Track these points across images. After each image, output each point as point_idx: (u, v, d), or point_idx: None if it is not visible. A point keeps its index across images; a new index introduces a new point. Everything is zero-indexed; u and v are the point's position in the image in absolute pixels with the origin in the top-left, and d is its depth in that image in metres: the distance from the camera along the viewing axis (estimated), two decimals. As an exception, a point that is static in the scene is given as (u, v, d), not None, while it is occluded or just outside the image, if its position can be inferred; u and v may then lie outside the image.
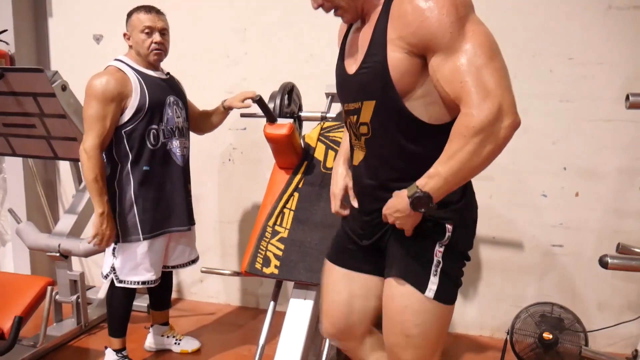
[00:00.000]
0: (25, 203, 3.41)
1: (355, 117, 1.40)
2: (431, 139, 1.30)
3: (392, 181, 1.37)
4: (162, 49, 2.31)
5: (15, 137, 2.70)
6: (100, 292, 3.21)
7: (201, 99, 2.67)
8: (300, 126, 2.49)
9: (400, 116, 1.30)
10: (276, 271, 2.07)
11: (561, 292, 2.78)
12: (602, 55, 2.59)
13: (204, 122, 2.58)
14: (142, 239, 2.31)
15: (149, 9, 2.29)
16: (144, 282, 2.37)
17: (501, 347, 2.52)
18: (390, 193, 1.34)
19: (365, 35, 1.35)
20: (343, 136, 1.74)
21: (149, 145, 2.29)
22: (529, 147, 2.73)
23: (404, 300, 1.38)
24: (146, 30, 2.26)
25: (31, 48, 3.44)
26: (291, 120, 2.22)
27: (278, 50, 3.02)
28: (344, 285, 1.58)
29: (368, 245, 1.49)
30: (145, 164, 2.29)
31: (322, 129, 2.35)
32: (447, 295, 1.38)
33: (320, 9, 1.41)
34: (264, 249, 2.12)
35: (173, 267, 2.55)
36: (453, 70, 1.19)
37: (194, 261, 2.61)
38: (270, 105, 2.27)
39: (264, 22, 3.03)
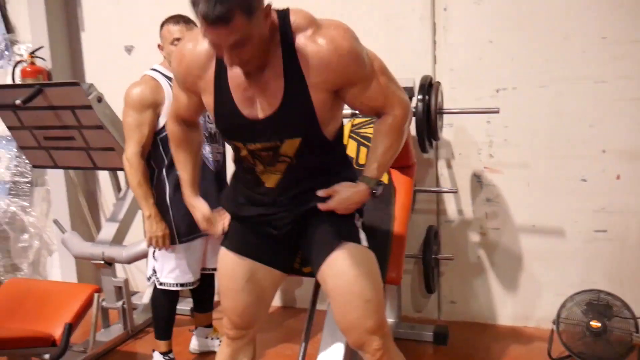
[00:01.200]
0: (69, 213, 3.52)
1: (271, 152, 1.58)
2: (337, 148, 1.71)
3: (313, 188, 1.63)
4: None
5: (56, 149, 2.79)
6: (145, 297, 3.27)
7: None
8: None
9: (322, 143, 1.60)
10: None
11: (608, 279, 2.70)
12: (634, 33, 2.52)
13: None
14: (177, 242, 2.36)
15: (177, 20, 2.31)
16: (182, 284, 2.43)
17: (548, 337, 2.48)
18: (311, 193, 1.62)
19: (270, 83, 1.49)
20: (183, 170, 1.85)
21: None
22: (565, 131, 2.68)
23: (353, 268, 1.60)
24: (175, 42, 2.28)
25: (66, 62, 3.54)
26: None
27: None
28: (250, 275, 1.73)
29: (278, 236, 1.70)
30: None
31: (352, 125, 2.35)
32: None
33: None
34: None
35: (212, 269, 2.58)
36: (374, 92, 1.55)
37: None
38: None
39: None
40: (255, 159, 1.62)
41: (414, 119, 2.44)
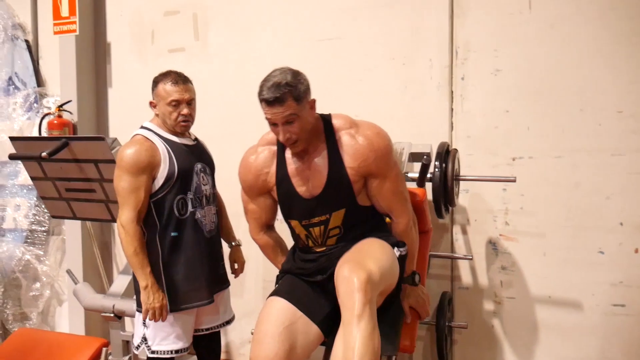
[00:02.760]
0: (82, 264, 3.53)
1: (323, 226, 2.00)
2: (372, 211, 2.06)
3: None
4: (190, 120, 2.29)
5: (76, 201, 2.83)
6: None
7: (231, 147, 2.67)
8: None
9: (360, 209, 2.01)
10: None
11: (627, 355, 2.63)
12: (652, 108, 2.55)
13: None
14: (170, 310, 2.23)
15: (175, 80, 2.24)
16: (177, 351, 2.29)
17: (564, 414, 2.39)
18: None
19: (317, 165, 1.96)
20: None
21: (176, 213, 2.23)
22: (582, 203, 2.67)
23: (370, 242, 1.96)
24: (173, 103, 2.22)
25: (92, 116, 3.65)
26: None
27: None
28: (290, 323, 1.90)
29: (324, 282, 2.00)
30: (173, 229, 2.24)
31: None
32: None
33: None
34: None
35: (207, 329, 2.44)
36: (388, 192, 1.98)
37: (228, 322, 2.51)
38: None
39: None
40: (308, 238, 2.04)
41: (430, 184, 2.48)
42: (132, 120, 3.53)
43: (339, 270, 1.80)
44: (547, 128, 2.72)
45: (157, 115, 2.32)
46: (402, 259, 2.01)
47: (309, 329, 1.93)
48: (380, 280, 1.78)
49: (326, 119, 2.00)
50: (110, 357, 2.88)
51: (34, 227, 3.70)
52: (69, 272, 3.17)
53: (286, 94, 1.82)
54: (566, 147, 2.69)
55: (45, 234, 3.72)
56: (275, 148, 2.03)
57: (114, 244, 3.73)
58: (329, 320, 1.96)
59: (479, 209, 2.87)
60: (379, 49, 2.98)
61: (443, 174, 2.46)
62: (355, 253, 1.90)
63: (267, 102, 1.83)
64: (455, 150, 2.61)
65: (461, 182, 2.74)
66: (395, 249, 1.99)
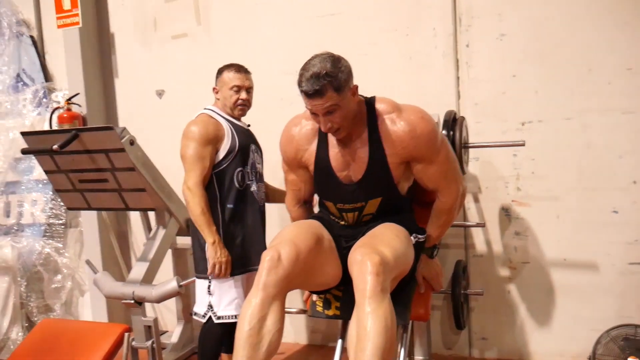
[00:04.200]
0: (101, 253, 3.59)
1: (357, 212, 2.00)
2: (407, 199, 2.06)
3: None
4: (247, 104, 2.54)
5: (90, 191, 2.86)
6: (174, 336, 3.29)
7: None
8: None
9: (397, 198, 1.99)
10: (338, 312, 2.08)
11: (645, 313, 2.63)
12: (662, 63, 2.51)
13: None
14: (232, 274, 2.41)
15: (238, 69, 2.52)
16: None
17: (584, 374, 2.41)
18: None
19: (358, 152, 1.92)
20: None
21: (236, 184, 2.46)
22: (594, 163, 2.65)
23: (389, 227, 1.94)
24: (235, 88, 2.48)
25: (100, 107, 3.68)
26: None
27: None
28: (318, 234, 1.93)
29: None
30: (230, 202, 2.45)
31: None
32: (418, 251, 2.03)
33: None
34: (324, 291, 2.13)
35: None
36: (434, 174, 1.93)
37: None
38: None
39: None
40: (340, 218, 2.04)
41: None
42: (140, 109, 3.59)
43: (352, 255, 1.78)
44: (555, 90, 2.69)
45: (218, 99, 2.56)
46: (418, 245, 2.01)
47: (334, 252, 1.98)
48: (394, 265, 1.76)
49: (370, 103, 1.94)
50: (133, 342, 2.94)
51: (51, 220, 3.76)
52: (88, 262, 3.22)
53: (326, 85, 1.75)
54: (576, 108, 2.67)
55: (63, 226, 3.77)
56: (318, 126, 1.94)
57: (130, 232, 3.78)
58: (345, 250, 1.97)
59: (490, 176, 2.86)
60: (381, 21, 2.96)
61: (451, 142, 2.45)
62: (370, 238, 1.88)
63: (307, 94, 1.77)
64: (463, 118, 2.59)
65: (470, 150, 2.72)
66: (414, 235, 1.98)
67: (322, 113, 1.80)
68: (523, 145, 2.51)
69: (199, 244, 2.48)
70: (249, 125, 2.63)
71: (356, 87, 1.87)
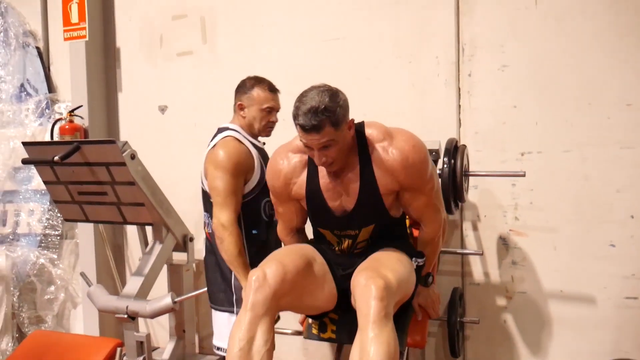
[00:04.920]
0: (96, 266, 3.57)
1: (351, 240, 1.99)
2: (401, 221, 2.09)
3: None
4: (273, 128, 2.40)
5: (89, 204, 2.86)
6: (165, 352, 3.26)
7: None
8: None
9: (390, 222, 1.99)
10: (334, 335, 2.07)
11: (640, 348, 2.62)
12: (661, 100, 2.54)
13: None
14: None
15: (272, 88, 2.34)
16: None
17: (578, 408, 2.38)
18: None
19: (349, 181, 1.89)
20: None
21: (264, 217, 2.35)
22: (592, 196, 2.66)
23: (390, 252, 1.96)
24: (267, 109, 2.31)
25: (102, 121, 3.69)
26: None
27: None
28: (310, 257, 1.94)
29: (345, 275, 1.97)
30: (254, 229, 2.33)
31: None
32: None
33: None
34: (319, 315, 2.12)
35: None
36: (419, 205, 1.94)
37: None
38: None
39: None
40: (339, 244, 2.02)
41: (440, 179, 2.48)
42: (142, 124, 3.60)
43: (356, 278, 1.77)
44: (555, 122, 2.71)
45: (243, 117, 2.35)
46: (419, 269, 2.01)
47: (327, 276, 1.97)
48: (397, 289, 1.76)
49: (359, 130, 1.89)
50: (124, 358, 2.91)
51: (47, 231, 3.74)
52: (82, 274, 3.20)
53: (324, 120, 1.70)
54: (575, 141, 2.69)
55: (58, 238, 3.76)
56: (306, 157, 1.92)
57: (126, 246, 3.77)
58: (342, 279, 1.98)
59: (489, 205, 2.87)
60: (385, 47, 3.00)
61: (452, 170, 2.46)
62: (373, 261, 1.88)
63: (303, 129, 1.72)
64: (464, 146, 2.61)
65: (470, 178, 2.74)
66: (414, 259, 1.99)
67: (318, 148, 1.76)
68: (524, 175, 2.53)
69: (221, 276, 2.38)
70: (264, 144, 2.48)
71: (352, 121, 1.83)
